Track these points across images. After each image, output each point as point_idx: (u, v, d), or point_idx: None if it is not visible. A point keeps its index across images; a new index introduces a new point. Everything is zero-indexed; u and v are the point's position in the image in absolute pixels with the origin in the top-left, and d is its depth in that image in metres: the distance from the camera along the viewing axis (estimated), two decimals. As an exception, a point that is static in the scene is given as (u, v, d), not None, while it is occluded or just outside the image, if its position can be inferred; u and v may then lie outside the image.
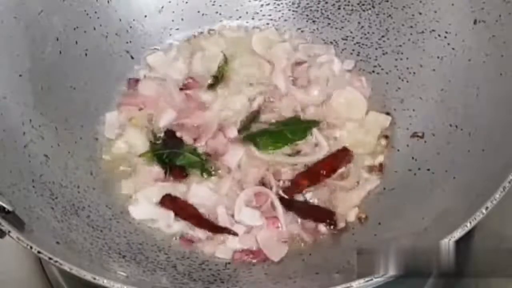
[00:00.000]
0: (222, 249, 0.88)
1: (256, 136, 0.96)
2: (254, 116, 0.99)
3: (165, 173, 0.94)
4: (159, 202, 0.92)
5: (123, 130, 0.98)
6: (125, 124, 0.99)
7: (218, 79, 1.03)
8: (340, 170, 0.94)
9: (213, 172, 0.94)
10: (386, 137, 0.97)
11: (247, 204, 0.91)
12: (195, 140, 0.97)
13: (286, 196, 0.92)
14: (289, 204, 0.91)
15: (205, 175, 0.93)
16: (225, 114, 1.00)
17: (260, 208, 0.91)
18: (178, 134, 0.98)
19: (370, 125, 0.98)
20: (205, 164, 0.94)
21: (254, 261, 0.87)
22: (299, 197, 0.92)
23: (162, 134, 0.98)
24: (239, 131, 0.98)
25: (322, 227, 0.90)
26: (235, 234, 0.89)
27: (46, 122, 0.91)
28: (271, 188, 0.92)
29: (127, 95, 1.02)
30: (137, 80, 1.03)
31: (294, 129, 0.97)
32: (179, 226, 0.90)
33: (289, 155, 0.96)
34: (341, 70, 1.04)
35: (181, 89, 1.03)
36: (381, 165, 0.95)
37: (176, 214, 0.90)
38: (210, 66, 1.05)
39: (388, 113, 0.99)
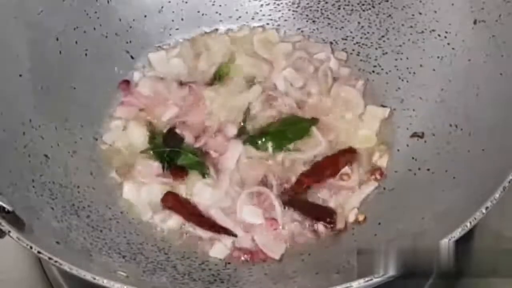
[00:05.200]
0: (218, 248, 0.88)
1: (257, 138, 0.96)
2: (253, 116, 0.99)
3: (163, 167, 0.94)
4: (161, 199, 0.92)
5: (124, 128, 0.98)
6: (126, 122, 0.99)
7: (218, 79, 1.03)
8: (343, 170, 0.94)
9: (213, 173, 0.94)
10: (387, 143, 0.97)
11: (248, 203, 0.91)
12: (195, 138, 0.97)
13: (287, 195, 0.92)
14: (289, 202, 0.91)
15: (205, 176, 0.93)
16: (225, 113, 1.00)
17: (261, 208, 0.91)
18: (179, 131, 0.98)
19: (369, 118, 0.99)
20: (205, 165, 0.94)
21: (253, 261, 0.87)
22: (299, 197, 0.93)
23: (163, 131, 0.98)
24: (239, 130, 0.98)
25: (321, 227, 0.90)
26: (234, 235, 0.89)
27: (46, 122, 0.91)
28: (271, 187, 0.92)
29: (128, 94, 1.02)
30: (128, 82, 1.03)
31: (294, 128, 0.97)
32: (174, 221, 0.90)
33: (288, 151, 0.96)
34: (338, 68, 1.04)
35: (181, 87, 1.02)
36: (381, 169, 0.95)
37: (177, 212, 0.90)
38: (210, 65, 1.05)
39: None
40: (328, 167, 0.94)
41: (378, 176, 0.94)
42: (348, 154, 0.95)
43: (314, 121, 0.98)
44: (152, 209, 0.92)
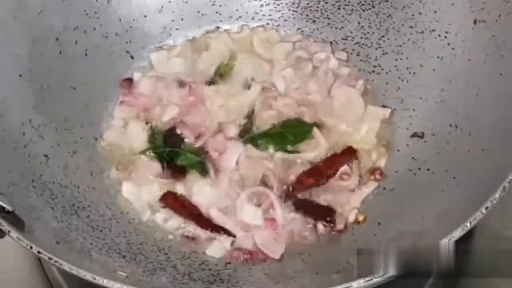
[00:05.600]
0: (215, 248, 0.88)
1: (257, 138, 0.96)
2: (254, 116, 0.99)
3: (163, 167, 0.94)
4: (160, 199, 0.92)
5: (124, 128, 0.98)
6: (126, 121, 0.99)
7: (218, 78, 1.03)
8: (343, 169, 0.94)
9: (212, 173, 0.94)
10: (387, 143, 0.97)
11: (248, 203, 0.91)
12: (195, 138, 0.97)
13: (287, 195, 0.92)
14: (289, 202, 0.91)
15: (205, 176, 0.93)
16: (225, 113, 1.00)
17: (260, 208, 0.91)
18: (179, 131, 0.98)
19: (369, 118, 0.99)
20: (205, 165, 0.94)
21: (253, 261, 0.87)
22: (299, 197, 0.92)
23: (163, 131, 0.98)
24: (239, 131, 0.98)
25: (321, 227, 0.90)
26: (234, 235, 0.89)
27: (46, 122, 0.91)
28: (271, 188, 0.92)
29: (127, 94, 1.02)
30: (130, 80, 1.03)
31: (296, 131, 0.97)
32: (174, 221, 0.90)
33: (287, 152, 0.96)
34: (338, 68, 1.04)
35: (181, 87, 1.02)
36: (381, 169, 0.94)
37: (176, 212, 0.90)
38: (210, 65, 1.05)
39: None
40: (328, 167, 0.94)
41: (378, 176, 0.94)
42: (348, 154, 0.95)
43: (315, 125, 0.98)
44: (152, 209, 0.92)
